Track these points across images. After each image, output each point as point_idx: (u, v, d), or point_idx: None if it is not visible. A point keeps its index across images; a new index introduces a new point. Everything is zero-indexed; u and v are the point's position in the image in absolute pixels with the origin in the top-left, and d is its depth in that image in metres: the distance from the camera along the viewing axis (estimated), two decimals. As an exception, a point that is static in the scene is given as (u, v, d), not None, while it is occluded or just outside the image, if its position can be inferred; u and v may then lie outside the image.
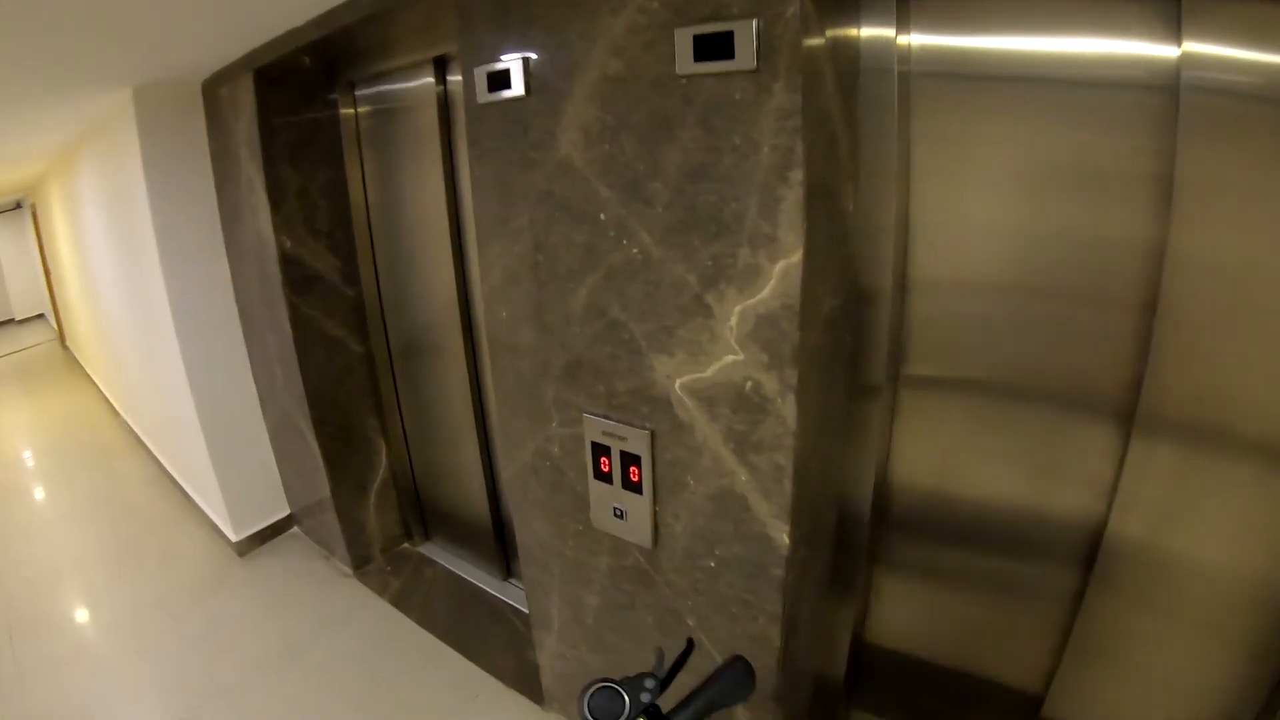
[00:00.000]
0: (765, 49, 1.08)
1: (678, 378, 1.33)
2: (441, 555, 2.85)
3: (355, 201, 2.49)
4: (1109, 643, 1.37)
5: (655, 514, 1.45)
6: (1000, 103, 1.22)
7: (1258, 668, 1.26)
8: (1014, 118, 1.22)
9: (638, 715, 0.92)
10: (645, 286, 1.32)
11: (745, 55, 1.10)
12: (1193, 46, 1.06)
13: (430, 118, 2.15)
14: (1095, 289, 1.23)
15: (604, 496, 1.51)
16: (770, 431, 1.24)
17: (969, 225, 1.30)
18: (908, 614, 1.62)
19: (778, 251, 1.15)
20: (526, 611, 2.46)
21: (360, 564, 2.80)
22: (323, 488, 2.67)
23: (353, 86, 2.37)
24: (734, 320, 1.23)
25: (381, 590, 2.68)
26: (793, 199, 1.11)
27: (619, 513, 1.48)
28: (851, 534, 1.55)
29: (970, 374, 1.37)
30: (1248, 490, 1.19)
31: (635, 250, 1.31)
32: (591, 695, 0.93)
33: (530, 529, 1.77)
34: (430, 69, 2.09)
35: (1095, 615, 1.37)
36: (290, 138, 2.29)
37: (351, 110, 2.40)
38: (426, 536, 2.94)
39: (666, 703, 1.07)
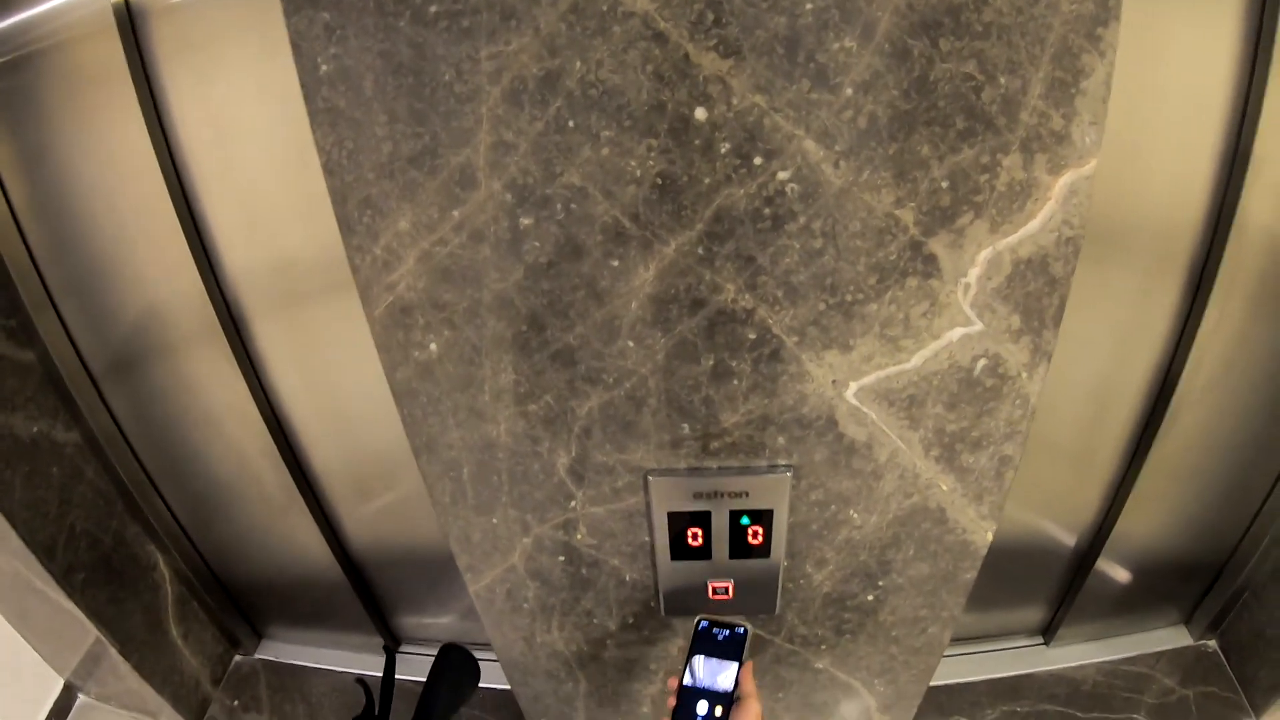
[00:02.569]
0: None
1: (854, 381, 0.81)
2: (290, 652, 2.05)
3: None
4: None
5: (784, 573, 0.97)
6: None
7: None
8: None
9: None
10: (804, 241, 0.73)
11: None
12: None
13: (107, 47, 1.13)
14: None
15: (691, 577, 0.95)
16: (1003, 419, 0.86)
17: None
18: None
19: (1066, 157, 0.70)
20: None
21: (200, 714, 1.95)
22: (101, 649, 1.73)
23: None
24: (975, 273, 0.76)
25: None
26: (1102, 74, 0.67)
27: (719, 591, 0.95)
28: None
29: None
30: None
31: (784, 175, 0.69)
32: None
33: (528, 644, 1.12)
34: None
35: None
36: None
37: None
38: (259, 635, 2.08)
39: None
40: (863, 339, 0.79)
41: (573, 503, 0.90)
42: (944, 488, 0.91)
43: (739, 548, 0.92)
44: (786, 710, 1.22)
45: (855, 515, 0.92)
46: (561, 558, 0.96)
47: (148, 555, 1.74)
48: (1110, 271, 1.26)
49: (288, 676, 1.97)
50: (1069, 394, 1.38)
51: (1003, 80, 0.66)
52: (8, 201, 1.29)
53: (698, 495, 0.87)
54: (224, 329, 1.36)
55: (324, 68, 0.67)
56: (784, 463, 0.87)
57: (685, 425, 0.84)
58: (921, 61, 0.65)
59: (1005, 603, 1.71)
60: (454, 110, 0.67)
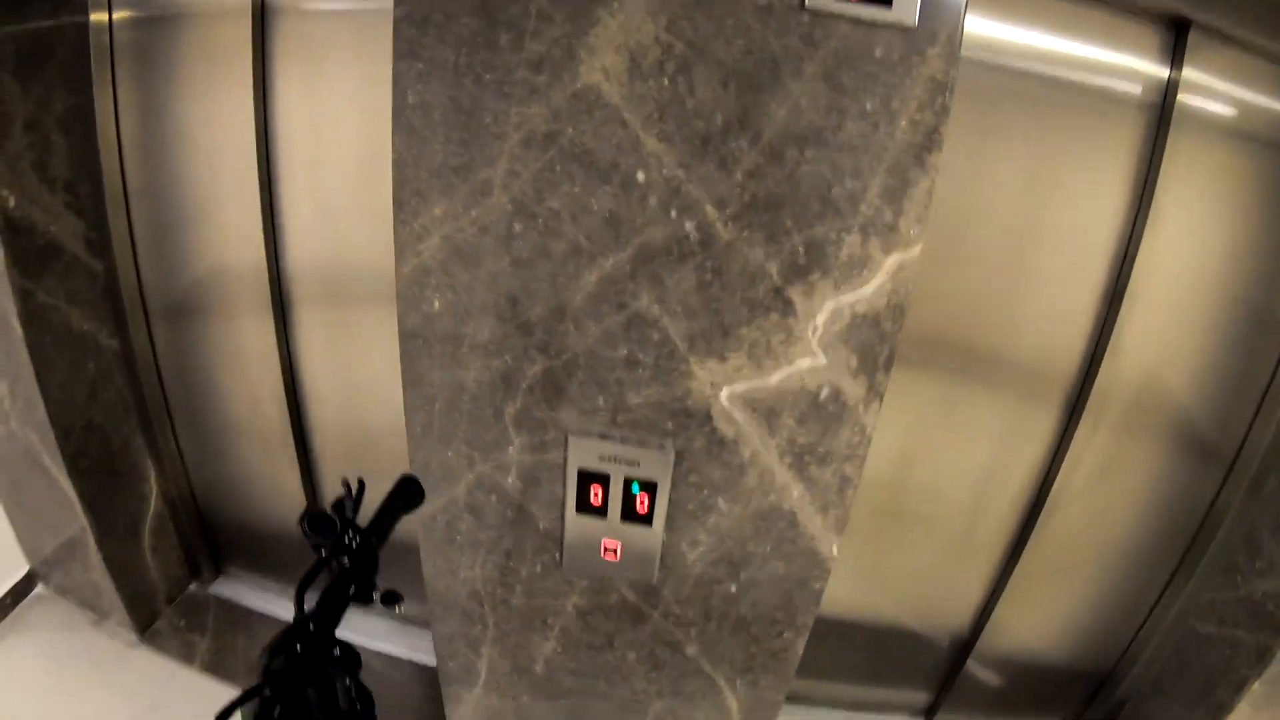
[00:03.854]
0: (931, 6, 0.92)
1: (727, 386, 1.11)
2: (244, 592, 2.22)
3: (106, 139, 1.62)
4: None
5: (664, 545, 1.22)
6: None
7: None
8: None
9: (347, 528, 1.00)
10: (699, 275, 1.05)
11: (906, 8, 0.92)
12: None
13: (237, 30, 1.47)
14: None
15: (588, 533, 1.21)
16: (844, 441, 1.13)
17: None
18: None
19: (895, 243, 1.02)
20: (380, 649, 2.03)
21: (146, 625, 2.08)
22: (81, 535, 1.90)
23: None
24: (822, 318, 1.07)
25: (186, 656, 2.01)
26: (924, 186, 1.00)
27: (610, 550, 1.21)
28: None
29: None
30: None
31: (690, 226, 1.03)
32: (306, 519, 1.00)
33: (453, 576, 1.35)
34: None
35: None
36: (14, 48, 1.45)
37: (105, 16, 1.55)
38: (218, 571, 2.26)
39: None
40: (735, 354, 1.09)
41: (511, 448, 1.19)
42: (795, 494, 1.17)
43: (629, 512, 1.18)
44: (659, 694, 1.41)
45: (723, 504, 1.19)
46: (494, 496, 1.23)
47: (145, 467, 1.96)
48: (995, 387, 1.54)
49: (236, 613, 2.14)
50: (955, 490, 1.62)
51: (850, 182, 1.00)
52: (119, 141, 1.63)
53: (603, 458, 1.15)
54: (271, 302, 1.67)
55: (411, 99, 1.03)
56: (672, 445, 1.15)
57: (601, 398, 1.13)
58: (791, 162, 0.99)
59: (891, 679, 1.87)
60: (487, 143, 1.03)
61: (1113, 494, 1.60)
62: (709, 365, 1.10)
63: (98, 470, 1.83)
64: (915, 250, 1.04)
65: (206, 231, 1.70)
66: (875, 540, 1.66)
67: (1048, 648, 1.79)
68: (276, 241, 1.63)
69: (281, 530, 2.06)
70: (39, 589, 2.13)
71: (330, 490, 1.93)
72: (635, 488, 1.17)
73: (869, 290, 1.06)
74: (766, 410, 1.13)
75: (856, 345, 1.09)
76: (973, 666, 1.77)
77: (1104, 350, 1.46)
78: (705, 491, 1.19)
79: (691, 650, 1.35)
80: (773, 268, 1.05)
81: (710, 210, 1.03)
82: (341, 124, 1.51)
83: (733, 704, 1.42)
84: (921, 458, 1.57)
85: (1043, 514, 1.56)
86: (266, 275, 1.64)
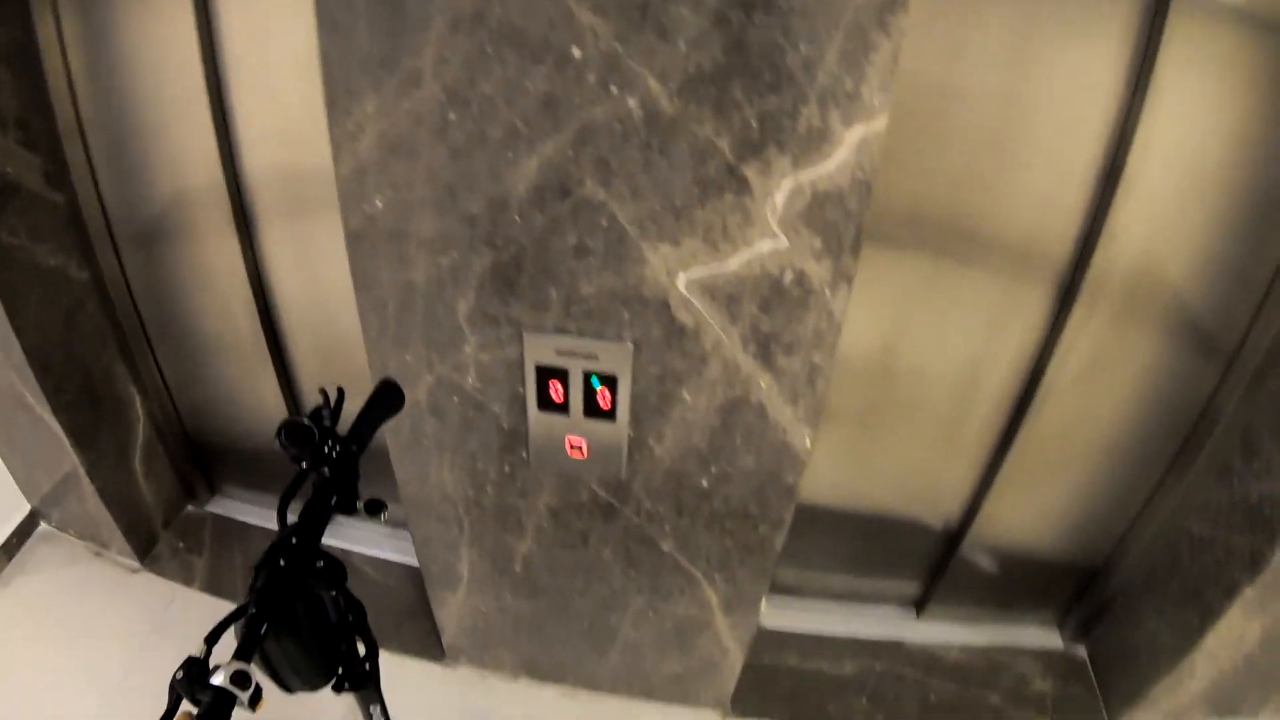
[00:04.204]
0: None
1: (683, 272, 1.06)
2: (239, 510, 2.27)
3: (54, 72, 1.57)
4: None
5: (630, 440, 1.20)
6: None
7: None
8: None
9: (326, 437, 0.99)
10: (644, 154, 0.99)
11: None
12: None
13: None
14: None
15: (552, 431, 1.20)
16: (811, 328, 1.09)
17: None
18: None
19: (857, 113, 0.95)
20: (372, 554, 2.08)
21: (146, 549, 2.15)
22: (74, 470, 1.94)
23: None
24: (781, 197, 1.01)
25: (186, 577, 2.08)
26: (888, 50, 0.91)
27: (575, 448, 1.20)
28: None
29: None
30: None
31: (633, 103, 0.96)
32: (283, 431, 0.99)
33: (423, 481, 1.36)
34: None
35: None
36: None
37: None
38: (213, 490, 2.31)
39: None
40: (689, 238, 1.04)
41: (467, 347, 1.17)
42: (763, 384, 1.14)
43: (591, 408, 1.17)
44: (639, 591, 1.43)
45: (687, 396, 1.16)
46: (456, 398, 1.23)
47: (128, 395, 1.98)
48: (984, 270, 1.46)
49: (232, 529, 2.21)
50: (943, 377, 1.57)
51: (805, 47, 0.92)
52: (67, 68, 1.58)
53: (560, 352, 1.13)
54: (234, 216, 1.64)
55: None
56: (630, 337, 1.12)
57: (553, 290, 1.10)
58: (740, 27, 0.91)
59: (881, 570, 1.88)
60: (413, 30, 0.96)
61: (1107, 385, 1.53)
62: (662, 250, 1.05)
63: (82, 402, 1.86)
64: (880, 121, 0.96)
65: (163, 153, 1.65)
66: (863, 428, 1.63)
67: (1038, 541, 1.77)
68: (233, 155, 1.58)
69: (268, 444, 2.07)
70: (42, 527, 2.21)
71: (311, 395, 1.94)
72: (595, 382, 1.15)
73: (831, 166, 0.99)
74: (726, 297, 1.08)
75: (820, 226, 1.03)
76: (963, 558, 1.76)
77: (1098, 234, 1.37)
78: (668, 384, 1.16)
79: (667, 546, 1.35)
80: (724, 144, 0.98)
81: (653, 84, 0.95)
82: (285, 27, 1.43)
83: (712, 598, 1.43)
84: (907, 343, 1.51)
85: (1034, 404, 1.51)
86: (226, 190, 1.60)
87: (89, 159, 1.69)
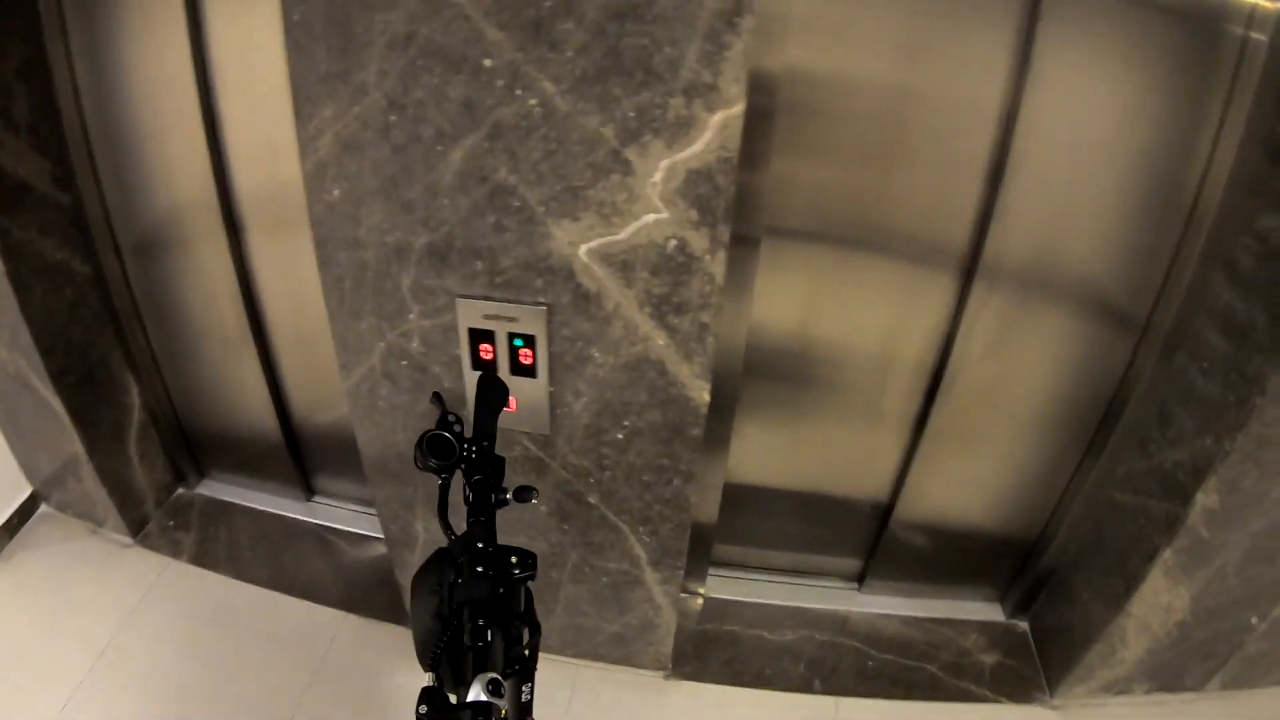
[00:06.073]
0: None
1: (583, 244, 1.28)
2: (226, 491, 2.53)
3: (62, 85, 1.84)
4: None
5: (552, 396, 1.40)
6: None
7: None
8: None
9: (463, 445, 1.10)
10: (545, 144, 1.23)
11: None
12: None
13: None
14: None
15: (486, 389, 1.40)
16: (696, 291, 1.30)
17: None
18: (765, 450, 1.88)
19: (717, 102, 1.17)
20: (345, 529, 2.27)
21: (139, 528, 2.39)
22: (75, 450, 2.16)
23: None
24: (659, 176, 1.23)
25: (175, 552, 2.31)
26: (739, 48, 1.14)
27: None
28: (725, 385, 1.71)
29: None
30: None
31: (533, 102, 1.20)
32: (426, 443, 1.09)
33: (381, 442, 1.58)
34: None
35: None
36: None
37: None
38: (201, 474, 2.57)
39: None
40: (586, 213, 1.26)
41: (411, 315, 1.39)
42: (660, 342, 1.34)
43: (516, 365, 1.38)
44: (574, 545, 1.60)
45: (597, 354, 1.36)
46: (404, 362, 1.45)
47: (125, 380, 2.22)
48: (888, 255, 1.63)
49: (219, 509, 2.43)
50: (860, 357, 1.74)
51: (668, 50, 1.15)
52: (74, 81, 1.84)
53: (487, 317, 1.35)
54: (224, 222, 1.87)
55: (296, 17, 1.23)
56: (544, 301, 1.33)
57: (478, 263, 1.32)
58: (615, 36, 1.15)
59: (822, 547, 2.02)
60: (360, 49, 1.23)
61: (1018, 360, 1.69)
62: (564, 225, 1.28)
63: (82, 387, 2.08)
64: (738, 108, 1.18)
65: (159, 163, 1.91)
66: (792, 409, 1.80)
67: (970, 515, 1.90)
68: (223, 168, 1.83)
69: (252, 433, 2.31)
70: (42, 508, 2.44)
71: (291, 386, 2.18)
72: (518, 342, 1.36)
73: (699, 147, 1.21)
74: (621, 264, 1.30)
75: (694, 199, 1.24)
76: (893, 533, 1.90)
77: (990, 215, 1.54)
78: (579, 344, 1.37)
79: (593, 499, 1.53)
80: (609, 133, 1.21)
81: (548, 86, 1.19)
82: (269, 50, 1.66)
83: (640, 552, 1.60)
84: (823, 326, 1.69)
85: (944, 379, 1.67)
86: (216, 197, 1.84)
87: (92, 164, 1.95)
